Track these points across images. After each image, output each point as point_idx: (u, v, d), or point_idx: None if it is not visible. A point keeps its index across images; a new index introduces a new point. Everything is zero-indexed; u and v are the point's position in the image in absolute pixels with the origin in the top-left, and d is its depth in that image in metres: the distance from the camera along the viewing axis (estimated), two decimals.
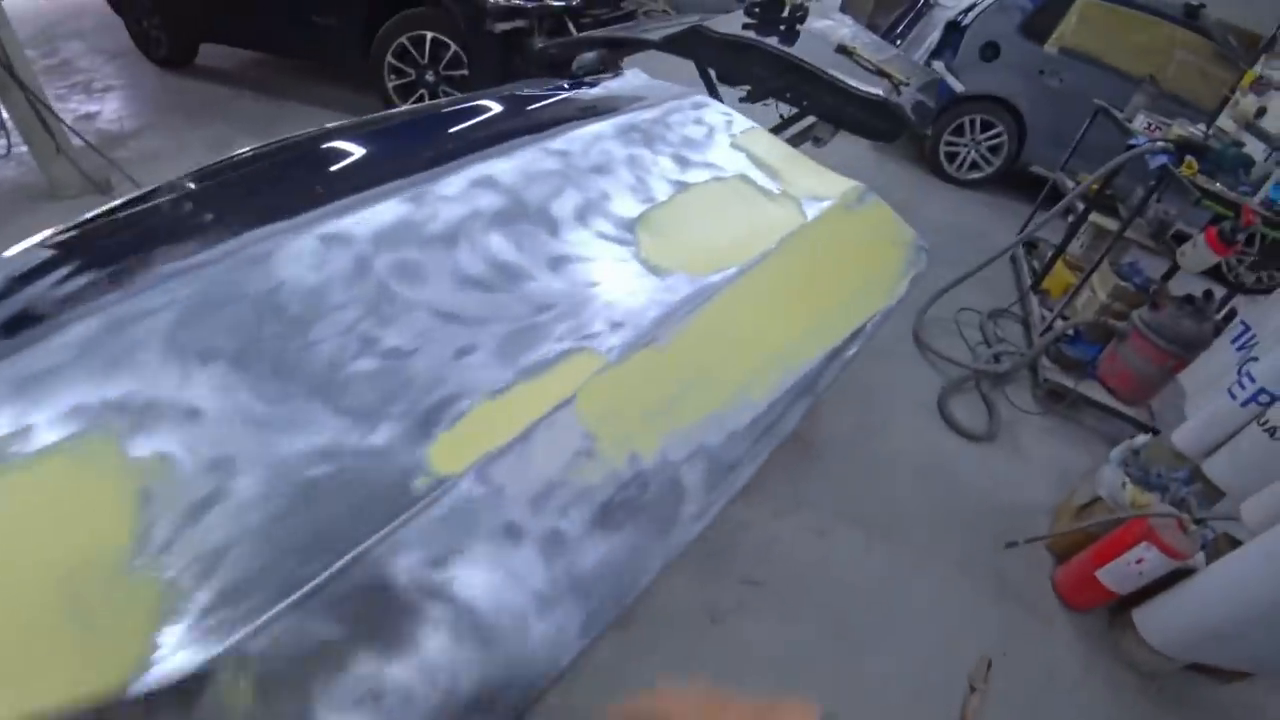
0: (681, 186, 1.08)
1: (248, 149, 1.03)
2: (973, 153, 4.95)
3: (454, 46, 4.17)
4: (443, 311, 0.75)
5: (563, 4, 4.12)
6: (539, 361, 0.70)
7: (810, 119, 2.35)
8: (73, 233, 0.83)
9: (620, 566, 0.61)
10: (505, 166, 0.99)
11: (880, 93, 2.02)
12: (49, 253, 0.79)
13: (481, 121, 1.17)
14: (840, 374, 0.89)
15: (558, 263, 0.84)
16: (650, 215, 0.98)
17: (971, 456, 2.78)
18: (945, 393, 2.95)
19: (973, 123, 4.82)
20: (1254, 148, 3.12)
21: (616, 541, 0.62)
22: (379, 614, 0.51)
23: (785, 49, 2.12)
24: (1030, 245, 4.01)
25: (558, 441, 0.64)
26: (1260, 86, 3.26)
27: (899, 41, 5.23)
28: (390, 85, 4.34)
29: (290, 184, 0.94)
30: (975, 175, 5.03)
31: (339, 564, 0.52)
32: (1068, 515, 2.54)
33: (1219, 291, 3.21)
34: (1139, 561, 2.16)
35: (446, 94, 4.27)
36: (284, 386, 0.64)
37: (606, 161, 1.07)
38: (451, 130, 1.12)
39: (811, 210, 1.14)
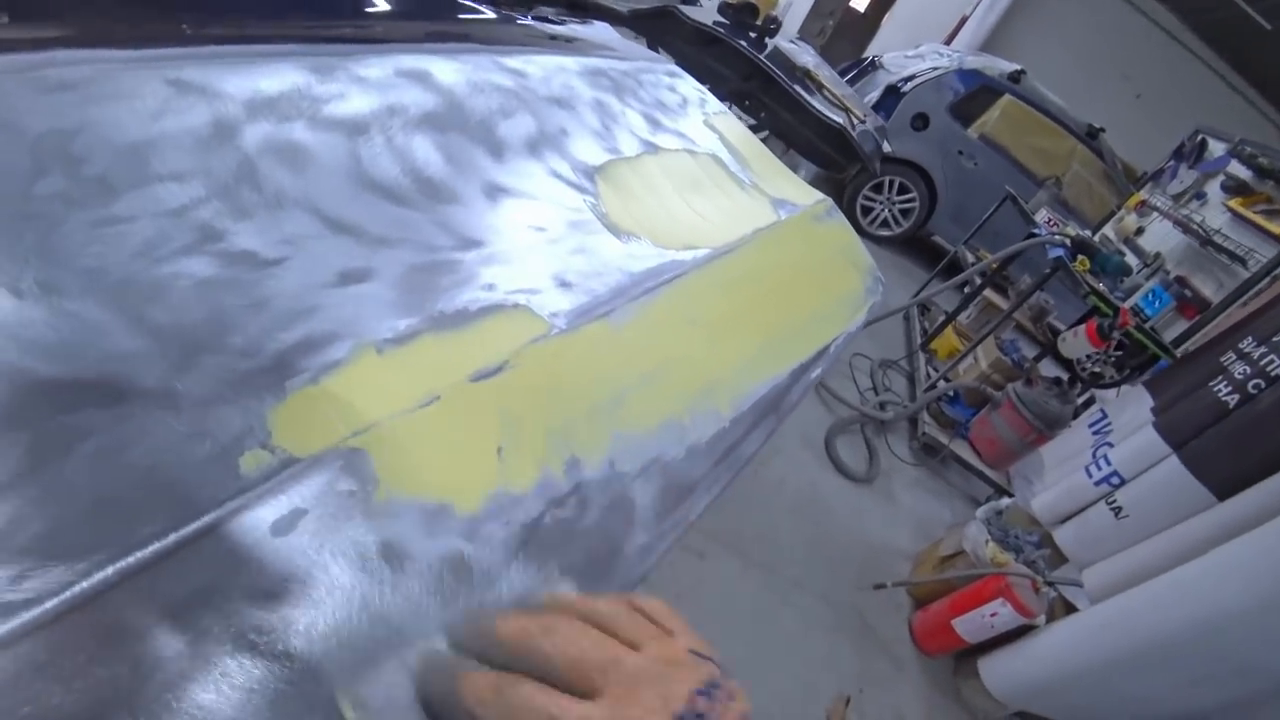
0: (651, 148, 0.91)
1: None
2: (886, 211, 5.18)
3: None
4: (330, 217, 0.52)
5: None
6: (457, 311, 0.50)
7: (764, 133, 2.26)
8: None
9: (530, 585, 0.42)
10: (446, 66, 0.77)
11: (840, 121, 1.96)
12: None
13: (422, 12, 0.94)
14: (802, 397, 0.75)
15: (495, 192, 0.64)
16: (614, 168, 0.80)
17: (848, 496, 2.84)
18: (832, 431, 2.99)
19: (892, 183, 5.05)
20: (1130, 260, 3.44)
21: (540, 580, 0.43)
22: (156, 671, 0.30)
23: (758, 56, 2.02)
24: (924, 307, 4.22)
25: (472, 425, 0.45)
26: (1143, 209, 3.60)
27: None
28: None
29: (146, 12, 0.67)
30: (884, 233, 5.28)
31: (92, 580, 0.30)
32: (930, 563, 2.63)
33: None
34: (993, 615, 2.30)
35: None
36: (51, 273, 0.39)
37: (569, 97, 0.88)
38: (383, 9, 0.88)
39: (783, 212, 1.01)
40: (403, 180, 0.60)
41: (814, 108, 1.93)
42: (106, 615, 0.30)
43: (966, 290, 3.78)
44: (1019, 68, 4.85)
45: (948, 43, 6.78)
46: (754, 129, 2.21)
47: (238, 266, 0.48)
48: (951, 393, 3.30)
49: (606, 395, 0.52)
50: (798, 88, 1.98)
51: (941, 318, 3.82)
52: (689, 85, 1.24)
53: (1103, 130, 4.85)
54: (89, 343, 0.40)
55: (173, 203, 0.49)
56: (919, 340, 3.84)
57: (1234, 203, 3.06)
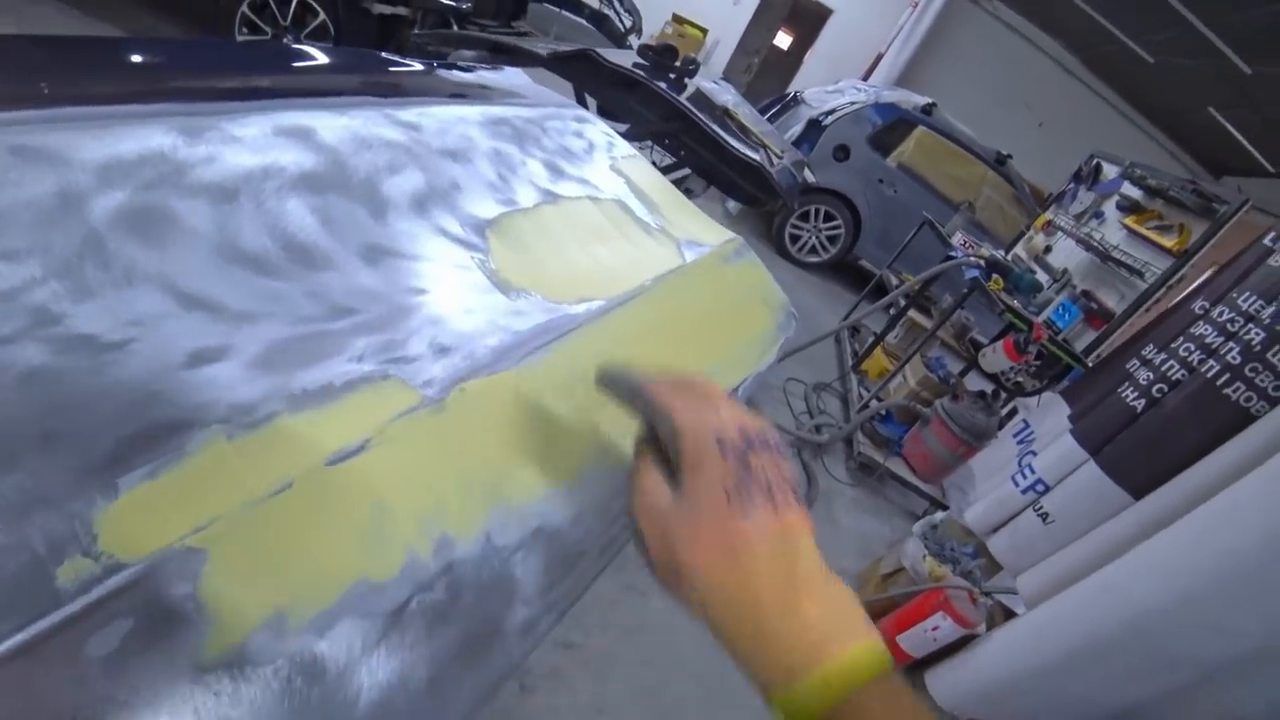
0: (551, 197, 0.91)
1: None
2: (814, 239, 5.38)
3: (323, 15, 3.72)
4: (185, 293, 0.50)
5: (452, 3, 3.84)
6: (320, 388, 0.48)
7: (685, 171, 2.31)
8: None
9: (410, 712, 0.40)
10: (331, 122, 0.76)
11: (759, 158, 2.03)
12: None
13: (313, 66, 0.92)
14: None
15: (374, 254, 0.62)
16: (508, 220, 0.79)
17: None
18: None
19: (817, 212, 5.24)
20: (1040, 277, 3.65)
21: (407, 670, 0.41)
22: None
23: (676, 97, 2.07)
24: (853, 330, 4.36)
25: (328, 512, 0.42)
26: (1050, 229, 3.84)
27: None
28: (239, 39, 3.76)
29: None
30: (813, 259, 5.46)
31: None
32: (873, 582, 2.66)
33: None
34: (934, 629, 2.34)
35: None
36: None
37: (465, 149, 0.87)
38: (267, 65, 0.86)
39: (690, 254, 1.02)
40: (271, 248, 0.58)
41: (732, 146, 1.99)
42: None
43: (892, 312, 3.93)
44: (930, 100, 5.17)
45: (865, 78, 7.18)
46: (675, 167, 2.26)
47: (74, 353, 0.45)
48: (884, 412, 3.40)
49: (483, 466, 0.50)
50: (716, 127, 2.04)
51: (871, 339, 3.95)
52: (597, 130, 1.25)
53: (1010, 156, 5.20)
54: None
55: (23, 274, 0.46)
56: (850, 362, 3.96)
57: (1129, 220, 3.31)
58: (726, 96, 2.66)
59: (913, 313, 3.90)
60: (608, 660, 1.91)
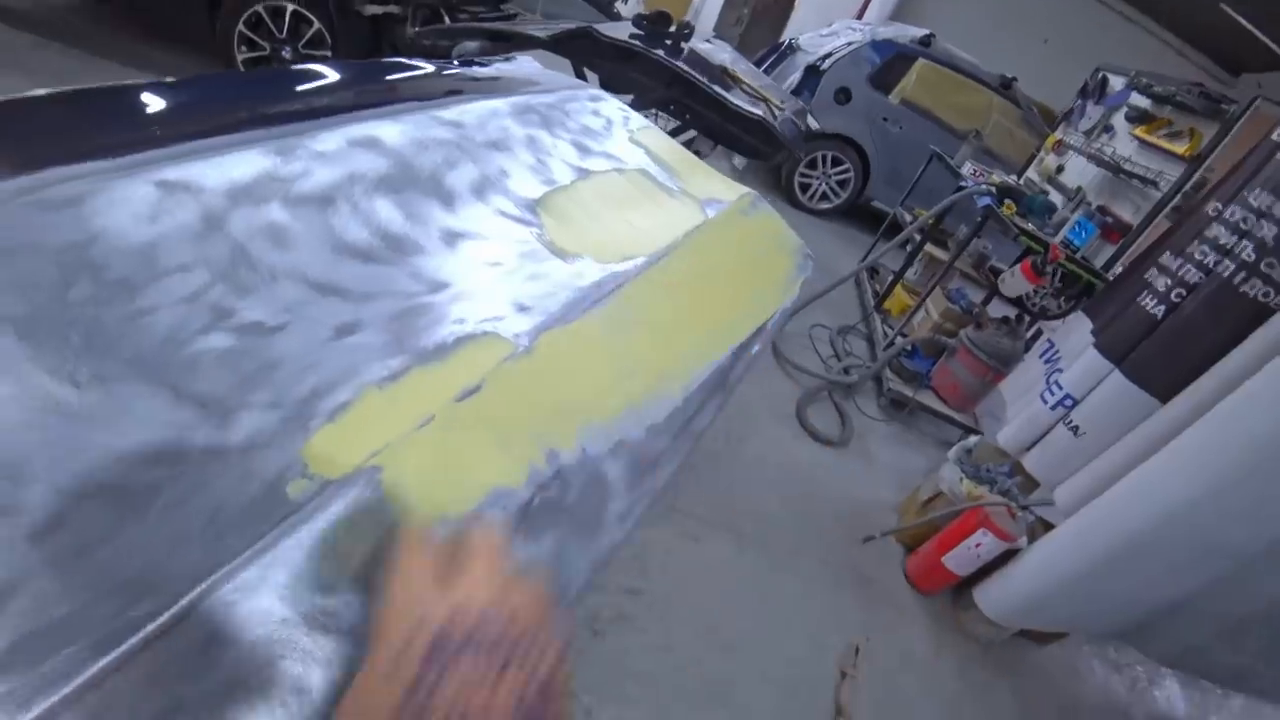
0: (583, 173, 1.01)
1: (63, 89, 0.82)
2: (824, 185, 5.37)
3: (317, 24, 3.79)
4: (317, 282, 0.62)
5: None
6: (437, 345, 0.60)
7: (691, 133, 2.38)
8: None
9: (541, 558, 0.52)
10: (392, 129, 0.87)
11: (760, 113, 2.09)
12: None
13: (360, 81, 1.03)
14: (745, 372, 0.86)
15: (453, 238, 0.74)
16: (552, 198, 0.90)
17: (827, 461, 2.96)
18: (802, 403, 3.12)
19: (824, 158, 5.23)
20: (1055, 198, 3.64)
21: (540, 548, 0.53)
22: (243, 659, 0.39)
23: (675, 63, 2.14)
24: (872, 271, 4.39)
25: (464, 436, 0.54)
26: (1060, 149, 3.81)
27: (767, 75, 5.56)
28: (240, 57, 3.85)
29: (117, 121, 0.75)
30: (825, 206, 5.47)
31: (185, 600, 0.39)
32: (913, 510, 2.77)
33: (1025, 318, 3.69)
34: (977, 546, 2.43)
35: None
36: (101, 365, 0.48)
37: (504, 138, 0.98)
38: (324, 85, 0.97)
39: (711, 211, 1.12)
40: (373, 241, 0.70)
41: (734, 104, 2.05)
42: (239, 605, 0.39)
43: (909, 249, 3.96)
44: (928, 32, 5.07)
45: (859, 17, 7.03)
46: (681, 130, 2.32)
47: (250, 336, 0.57)
48: (909, 347, 3.46)
49: (572, 394, 0.62)
50: (717, 87, 2.10)
51: (890, 278, 3.99)
52: (612, 106, 1.35)
53: (1015, 79, 5.10)
54: (143, 410, 0.49)
55: (185, 290, 0.59)
56: (872, 303, 4.01)
57: (1138, 131, 3.28)
58: (723, 55, 2.70)
59: (929, 247, 3.93)
60: (670, 603, 2.06)
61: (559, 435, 0.59)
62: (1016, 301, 3.51)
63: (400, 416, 0.54)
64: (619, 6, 8.01)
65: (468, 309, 0.65)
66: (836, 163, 5.25)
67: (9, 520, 0.40)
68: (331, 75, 1.06)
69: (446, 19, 4.02)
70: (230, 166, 0.71)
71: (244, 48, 3.80)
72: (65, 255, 0.56)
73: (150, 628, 0.38)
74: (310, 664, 0.41)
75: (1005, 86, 5.08)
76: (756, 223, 1.22)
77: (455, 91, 1.14)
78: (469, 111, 1.02)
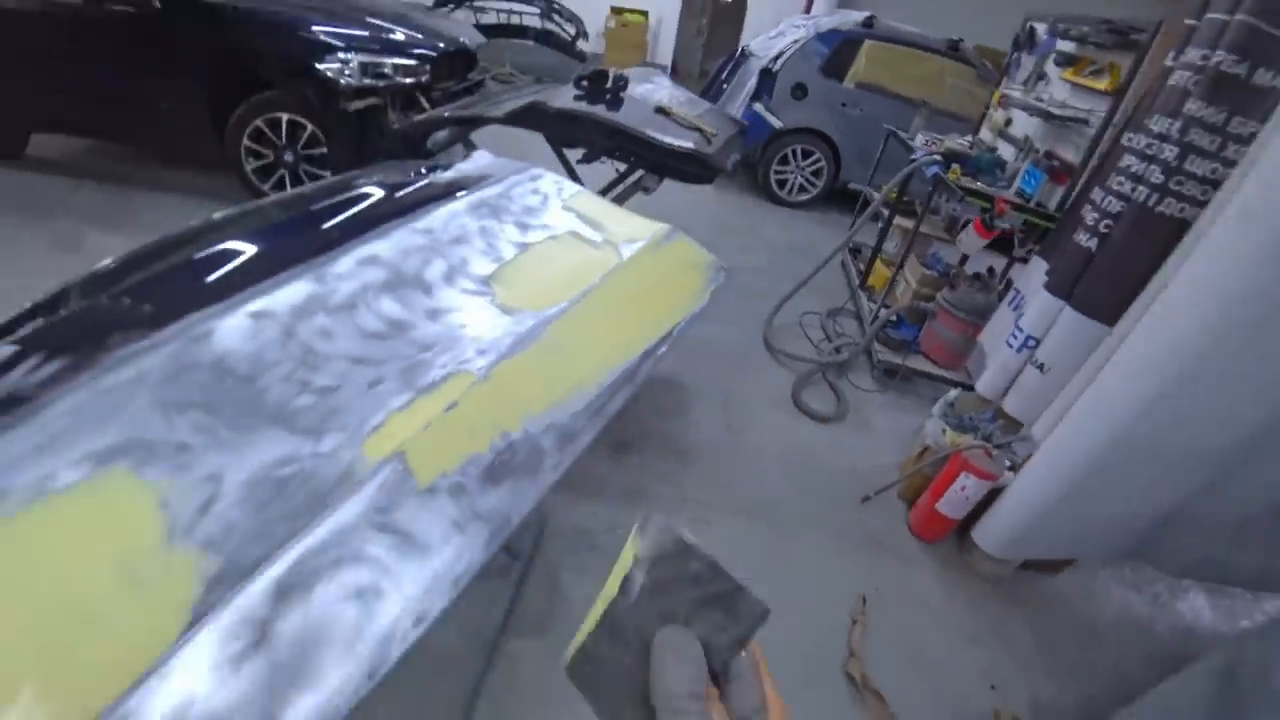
0: (524, 247, 1.45)
1: (152, 242, 1.29)
2: (798, 178, 5.77)
3: (311, 127, 4.35)
4: (354, 357, 1.06)
5: (413, 80, 4.45)
6: (429, 383, 1.04)
7: (639, 172, 2.81)
8: (26, 327, 1.06)
9: (505, 502, 0.94)
10: (384, 246, 1.33)
11: (691, 145, 2.51)
12: (10, 348, 1.02)
13: (360, 210, 1.50)
14: (653, 367, 1.27)
15: (434, 314, 1.18)
16: (500, 271, 1.34)
17: (826, 437, 3.30)
18: (797, 386, 3.48)
19: (794, 152, 5.64)
20: (1007, 150, 3.96)
21: (501, 488, 0.95)
22: (347, 546, 0.82)
23: (609, 116, 2.59)
24: (855, 251, 4.75)
25: (451, 431, 0.97)
26: (1005, 103, 4.13)
27: (725, 86, 6.01)
28: (249, 168, 4.44)
29: (210, 273, 1.22)
30: (803, 197, 5.86)
31: (316, 524, 0.82)
32: (910, 468, 3.09)
33: (1006, 270, 3.97)
34: (963, 489, 2.67)
35: (308, 174, 4.45)
36: (249, 419, 0.93)
37: (463, 233, 1.43)
38: (337, 220, 1.44)
39: (627, 251, 1.54)
40: (382, 326, 1.14)
41: (665, 143, 2.47)
42: (340, 526, 0.82)
43: (880, 225, 4.30)
44: (869, 14, 5.46)
45: (807, 11, 7.46)
46: (631, 170, 2.76)
47: (322, 394, 1.02)
48: (894, 317, 3.79)
49: (518, 398, 1.05)
50: (650, 130, 2.52)
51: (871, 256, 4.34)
52: (548, 181, 1.79)
53: (961, 40, 5.43)
54: (274, 440, 0.93)
55: (282, 374, 1.03)
56: (857, 281, 4.35)
57: (1067, 74, 3.58)
58: (660, 93, 3.15)
59: (899, 220, 4.26)
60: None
61: (509, 423, 1.01)
62: (1005, 248, 3.80)
63: (412, 424, 0.97)
64: (580, 45, 8.63)
65: (447, 358, 1.09)
66: (806, 155, 5.64)
67: (221, 499, 0.84)
68: (343, 212, 1.53)
69: (422, 100, 4.57)
70: (289, 295, 1.17)
71: (251, 159, 4.42)
72: (215, 365, 1.01)
73: (293, 544, 0.81)
74: (379, 546, 0.84)
75: (954, 49, 5.42)
76: (669, 250, 1.64)
77: (430, 199, 1.60)
78: (437, 217, 1.47)
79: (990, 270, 3.83)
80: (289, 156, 4.45)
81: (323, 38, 4.19)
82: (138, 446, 0.86)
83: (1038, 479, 2.57)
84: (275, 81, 4.23)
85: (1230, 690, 1.37)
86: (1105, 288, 2.68)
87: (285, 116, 4.31)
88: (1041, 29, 3.88)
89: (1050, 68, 3.78)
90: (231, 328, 1.07)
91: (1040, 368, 2.89)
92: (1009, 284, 3.71)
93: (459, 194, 1.63)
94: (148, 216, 4.30)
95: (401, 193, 1.63)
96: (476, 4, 8.65)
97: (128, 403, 0.91)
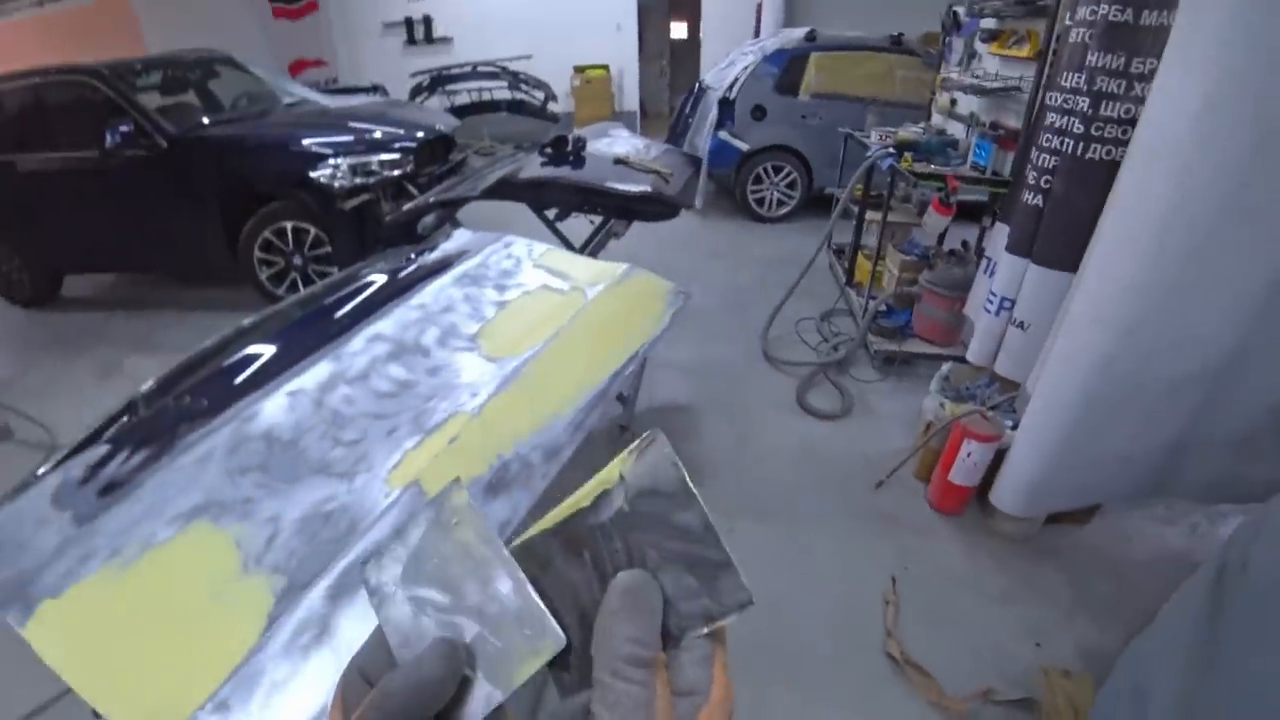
0: (503, 305, 1.75)
1: (196, 352, 1.62)
2: (774, 193, 6.08)
3: (314, 230, 4.78)
4: (373, 414, 1.35)
5: (399, 171, 4.89)
6: (434, 425, 1.31)
7: (611, 222, 3.12)
8: (114, 426, 1.38)
9: (505, 510, 1.19)
10: (387, 324, 1.63)
11: (648, 188, 2.82)
12: (105, 447, 1.33)
13: (364, 298, 1.83)
14: (622, 384, 1.52)
15: (434, 370, 1.47)
16: (485, 328, 1.63)
17: (835, 432, 3.48)
18: (801, 390, 3.69)
19: (766, 170, 5.97)
20: (958, 129, 4.21)
21: (500, 499, 1.21)
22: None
23: (571, 176, 2.91)
24: (839, 251, 5.00)
25: (457, 457, 1.24)
26: (946, 85, 4.41)
27: (690, 120, 6.39)
28: (263, 277, 4.89)
29: (251, 367, 1.53)
30: (784, 210, 6.17)
31: (358, 542, 1.08)
32: (917, 446, 3.25)
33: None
34: (969, 455, 2.77)
35: (317, 273, 4.86)
36: (296, 473, 1.21)
37: (451, 303, 1.73)
38: (346, 309, 1.76)
39: (591, 292, 1.82)
40: (392, 387, 1.43)
41: (623, 191, 2.78)
42: (375, 541, 1.09)
43: (854, 222, 4.56)
44: (809, 29, 5.84)
45: (757, 35, 7.89)
46: (605, 221, 3.08)
47: (350, 446, 1.29)
48: (883, 306, 4.01)
49: (508, 427, 1.31)
50: (610, 182, 2.83)
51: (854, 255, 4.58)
52: (520, 246, 2.10)
53: (902, 34, 5.77)
54: (318, 485, 1.20)
55: (318, 435, 1.31)
56: (845, 280, 4.58)
57: (994, 48, 3.86)
58: (618, 146, 3.48)
59: (872, 214, 4.51)
60: None
61: (503, 447, 1.27)
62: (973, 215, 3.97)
63: (424, 458, 1.24)
64: (551, 107, 9.18)
65: (446, 403, 1.37)
66: (778, 170, 5.96)
67: (281, 533, 1.10)
68: (349, 302, 1.83)
69: (410, 187, 5.00)
70: (315, 375, 1.47)
71: (264, 268, 4.86)
72: (265, 435, 1.30)
73: (340, 559, 1.07)
74: None
75: (896, 43, 5.75)
76: (629, 285, 1.91)
77: (420, 278, 1.91)
78: (428, 293, 1.78)
79: (964, 244, 4.04)
80: (298, 260, 4.89)
81: (313, 149, 4.66)
82: (214, 504, 1.14)
83: (1035, 431, 2.60)
84: (276, 195, 4.68)
85: (1216, 590, 1.50)
86: (1060, 239, 2.85)
87: (289, 224, 4.75)
88: (962, 11, 4.17)
89: (979, 45, 4.06)
90: (274, 406, 1.36)
91: (1021, 326, 3.06)
92: (982, 253, 3.91)
93: (444, 270, 1.93)
94: (177, 336, 4.77)
95: (396, 277, 1.94)
96: (449, 88, 9.28)
97: (201, 474, 1.20)
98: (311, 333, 1.66)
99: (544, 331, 1.61)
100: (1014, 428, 2.90)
